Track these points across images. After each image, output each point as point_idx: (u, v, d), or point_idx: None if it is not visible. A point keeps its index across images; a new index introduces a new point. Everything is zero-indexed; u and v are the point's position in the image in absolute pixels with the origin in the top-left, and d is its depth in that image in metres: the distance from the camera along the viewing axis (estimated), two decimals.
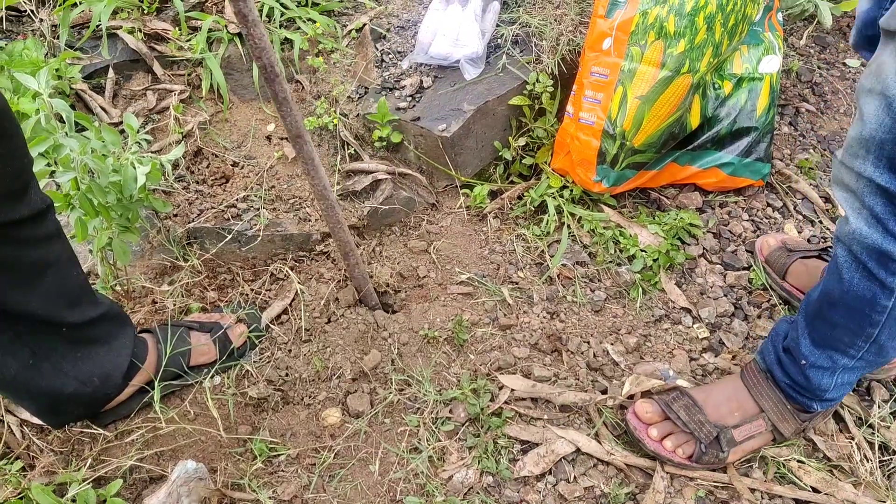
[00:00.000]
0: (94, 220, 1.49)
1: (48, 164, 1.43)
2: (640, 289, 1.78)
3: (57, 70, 1.82)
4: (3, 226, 1.10)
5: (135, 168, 1.47)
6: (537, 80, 1.87)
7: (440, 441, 1.52)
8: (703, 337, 1.68)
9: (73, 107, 1.91)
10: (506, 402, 1.56)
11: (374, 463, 1.50)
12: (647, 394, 1.54)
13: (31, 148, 1.40)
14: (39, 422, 1.57)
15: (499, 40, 1.98)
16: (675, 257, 1.79)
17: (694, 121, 1.82)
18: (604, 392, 1.58)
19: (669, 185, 2.00)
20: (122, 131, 1.78)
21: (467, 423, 1.54)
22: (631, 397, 1.54)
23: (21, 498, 1.37)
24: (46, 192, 1.41)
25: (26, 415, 1.55)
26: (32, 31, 2.00)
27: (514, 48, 1.97)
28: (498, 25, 2.00)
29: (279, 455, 1.52)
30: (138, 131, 1.86)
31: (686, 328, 1.71)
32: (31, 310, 1.22)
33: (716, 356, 1.65)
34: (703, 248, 1.86)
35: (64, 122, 1.45)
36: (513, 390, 1.57)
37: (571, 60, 1.92)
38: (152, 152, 1.85)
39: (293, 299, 1.76)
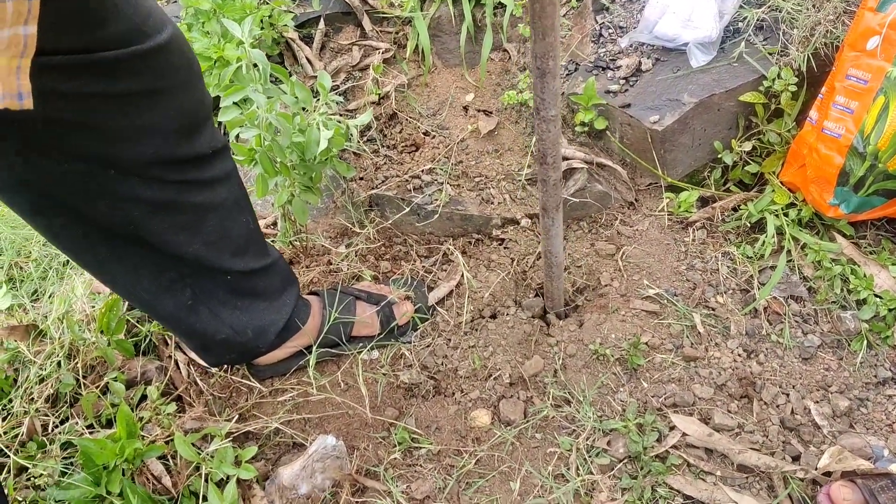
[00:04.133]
0: (276, 178, 1.47)
1: (240, 114, 1.42)
2: (866, 341, 1.47)
3: (270, 17, 1.82)
4: (170, 162, 1.09)
5: (319, 130, 1.42)
6: (778, 76, 1.58)
7: (591, 474, 1.36)
8: None
9: (281, 55, 1.92)
10: (674, 447, 1.36)
11: (515, 480, 1.38)
12: (849, 474, 1.27)
13: (226, 96, 1.40)
14: (203, 363, 1.62)
15: (739, 24, 1.70)
16: None
17: None
18: (795, 459, 1.33)
19: None
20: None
21: (626, 461, 1.37)
22: (828, 474, 1.28)
23: (167, 443, 1.41)
24: (233, 144, 1.41)
25: (193, 354, 1.60)
26: None
27: (757, 35, 1.68)
28: (741, 6, 1.71)
29: (420, 447, 1.45)
30: (337, 88, 1.83)
31: None
32: (193, 252, 1.21)
33: None
34: None
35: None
36: (685, 434, 1.37)
37: (825, 56, 1.60)
38: (348, 110, 1.82)
39: (458, 283, 1.66)
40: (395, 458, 1.43)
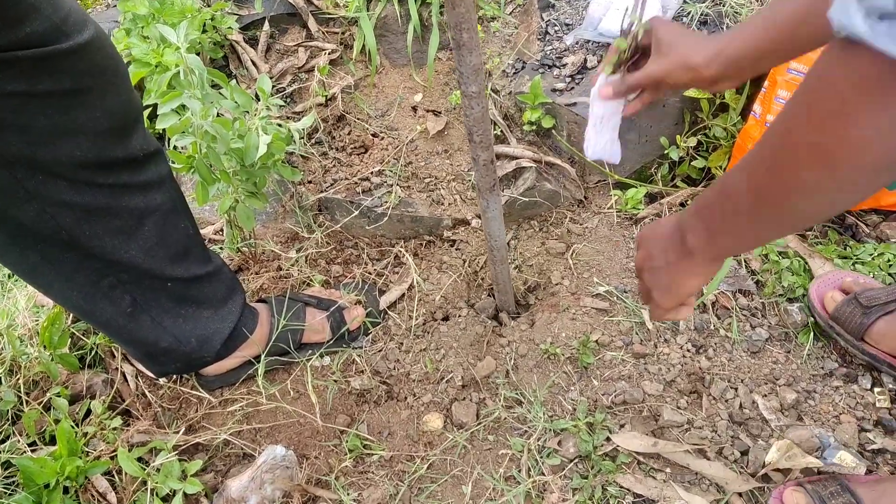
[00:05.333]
0: (218, 184, 1.44)
1: (181, 120, 1.39)
2: (813, 333, 1.48)
3: (213, 20, 1.79)
4: (98, 166, 1.06)
5: (258, 136, 1.39)
6: None
7: (543, 475, 1.35)
8: (881, 406, 1.38)
9: (225, 58, 1.88)
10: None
11: (467, 484, 1.37)
12: (806, 471, 1.27)
13: (163, 103, 1.37)
14: (149, 373, 1.59)
15: (683, 18, 1.70)
16: None
17: None
18: (744, 453, 1.33)
19: (872, 209, 1.65)
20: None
21: (576, 460, 1.37)
22: (781, 472, 1.29)
23: (112, 458, 1.38)
24: (169, 152, 1.38)
25: (140, 365, 1.57)
26: None
27: (701, 29, 1.69)
28: (685, 2, 1.72)
29: (372, 454, 1.43)
30: (283, 91, 1.80)
31: (862, 390, 1.41)
32: (131, 259, 1.19)
33: (888, 435, 1.34)
34: None
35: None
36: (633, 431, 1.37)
37: None
38: (295, 113, 1.79)
39: (410, 286, 1.64)
40: (347, 466, 1.42)
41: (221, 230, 1.82)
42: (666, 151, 1.67)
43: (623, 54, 1.14)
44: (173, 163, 1.35)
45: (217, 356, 1.43)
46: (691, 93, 1.59)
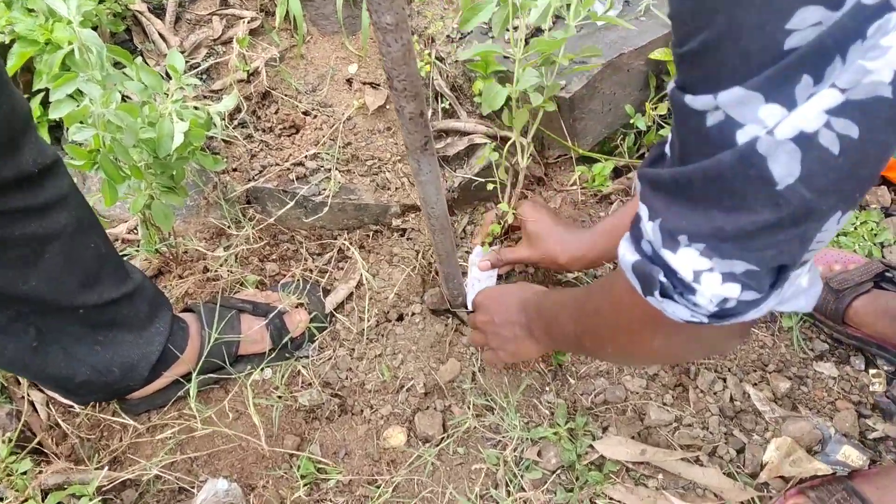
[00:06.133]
0: (128, 181, 1.22)
1: (79, 106, 1.17)
2: (798, 315, 1.38)
3: None
4: None
5: (172, 123, 1.18)
6: None
7: (523, 491, 1.21)
8: (876, 389, 1.28)
9: (129, 32, 1.64)
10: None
11: None
12: (801, 481, 1.17)
13: (55, 88, 1.14)
14: (66, 401, 1.38)
15: None
16: None
17: None
18: (740, 451, 1.22)
19: None
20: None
21: (559, 471, 1.23)
22: (785, 479, 1.18)
23: None
24: (68, 146, 1.16)
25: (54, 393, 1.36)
26: None
27: None
28: None
29: (328, 479, 1.26)
30: (198, 67, 1.58)
31: (856, 372, 1.31)
32: (32, 291, 0.99)
33: (887, 420, 1.25)
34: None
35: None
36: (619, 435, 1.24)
37: None
38: (212, 91, 1.57)
39: (358, 284, 1.47)
40: (300, 497, 1.24)
41: (136, 228, 1.59)
42: (632, 121, 1.52)
43: (497, 231, 1.36)
44: (73, 159, 1.13)
45: (145, 383, 1.24)
46: (657, 55, 1.45)
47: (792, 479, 1.16)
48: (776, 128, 0.44)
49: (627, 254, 0.63)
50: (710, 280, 0.54)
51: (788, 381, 1.28)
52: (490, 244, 1.37)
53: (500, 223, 1.36)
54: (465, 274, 1.40)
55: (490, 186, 1.38)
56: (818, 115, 0.43)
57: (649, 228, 0.57)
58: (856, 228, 1.43)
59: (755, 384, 1.30)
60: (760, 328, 1.38)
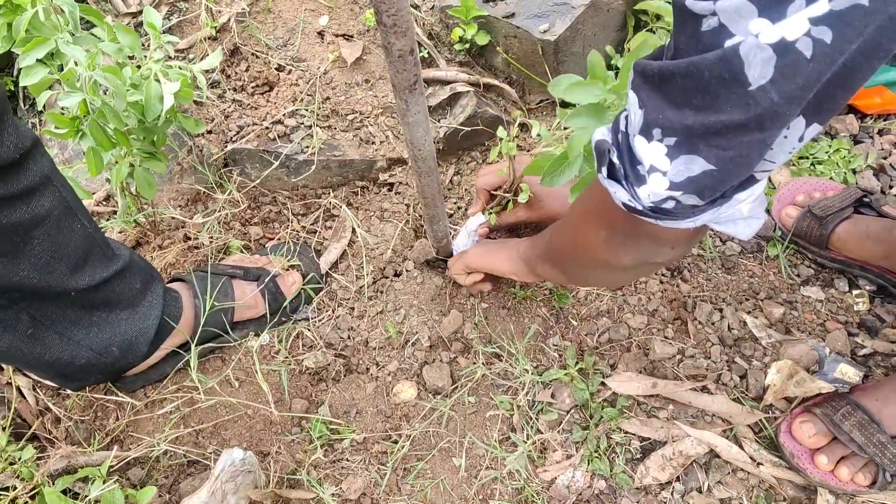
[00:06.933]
0: (112, 150, 1.16)
1: (50, 73, 1.09)
2: (783, 243, 1.43)
3: None
4: None
5: (160, 84, 1.12)
6: None
7: (540, 433, 1.24)
8: (860, 308, 1.35)
9: None
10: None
11: (459, 455, 1.23)
12: (804, 400, 1.22)
13: (25, 53, 1.07)
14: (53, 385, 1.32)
15: None
16: None
17: None
18: (742, 377, 1.27)
19: None
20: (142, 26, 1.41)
21: (573, 411, 1.26)
22: (788, 400, 1.23)
23: (33, 497, 1.13)
24: (49, 114, 1.09)
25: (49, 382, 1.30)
26: None
27: None
28: None
29: (343, 439, 1.25)
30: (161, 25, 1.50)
31: (841, 294, 1.38)
32: (23, 280, 0.95)
33: (874, 336, 1.32)
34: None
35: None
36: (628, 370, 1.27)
37: None
38: (179, 51, 1.49)
39: (350, 241, 1.44)
40: (317, 458, 1.23)
41: (107, 199, 1.52)
42: (612, 61, 1.52)
43: (504, 174, 1.28)
44: (56, 128, 1.06)
45: (145, 358, 1.20)
46: None
47: (795, 399, 1.22)
48: (761, 34, 0.45)
49: (598, 133, 0.67)
50: (657, 181, 0.58)
51: (780, 306, 1.34)
52: (498, 213, 1.32)
53: (505, 156, 1.24)
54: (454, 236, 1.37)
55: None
56: (802, 24, 0.44)
57: (635, 115, 0.58)
58: (829, 157, 1.49)
59: (749, 312, 1.35)
60: (748, 258, 1.42)
